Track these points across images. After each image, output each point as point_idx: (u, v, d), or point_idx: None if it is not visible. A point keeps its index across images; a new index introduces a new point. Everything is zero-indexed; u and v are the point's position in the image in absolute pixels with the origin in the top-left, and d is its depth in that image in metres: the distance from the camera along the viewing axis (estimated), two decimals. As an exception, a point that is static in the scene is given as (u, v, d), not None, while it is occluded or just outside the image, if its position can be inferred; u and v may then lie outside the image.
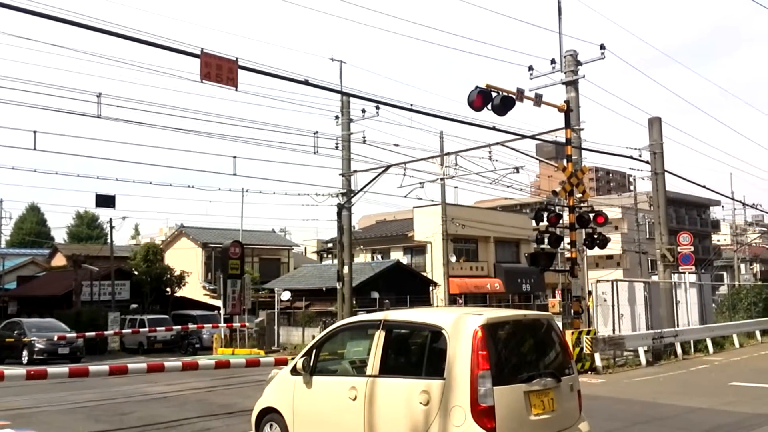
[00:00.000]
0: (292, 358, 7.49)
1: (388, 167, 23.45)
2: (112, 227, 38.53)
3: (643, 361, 17.64)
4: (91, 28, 10.81)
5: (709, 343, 20.49)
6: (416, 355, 6.31)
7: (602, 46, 17.83)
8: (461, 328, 5.68)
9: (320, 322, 29.36)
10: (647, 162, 21.38)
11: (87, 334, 25.88)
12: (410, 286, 35.49)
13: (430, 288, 38.66)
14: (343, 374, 6.73)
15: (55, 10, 10.50)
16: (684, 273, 23.03)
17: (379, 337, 6.27)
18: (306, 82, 13.47)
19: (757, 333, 24.13)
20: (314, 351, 6.86)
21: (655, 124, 21.26)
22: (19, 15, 10.11)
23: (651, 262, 45.72)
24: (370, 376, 6.15)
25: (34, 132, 18.63)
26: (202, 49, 11.73)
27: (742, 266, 60.08)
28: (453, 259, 40.20)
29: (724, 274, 54.58)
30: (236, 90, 12.25)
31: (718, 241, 72.97)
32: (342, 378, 6.60)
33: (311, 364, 6.77)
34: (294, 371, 6.94)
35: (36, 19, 10.26)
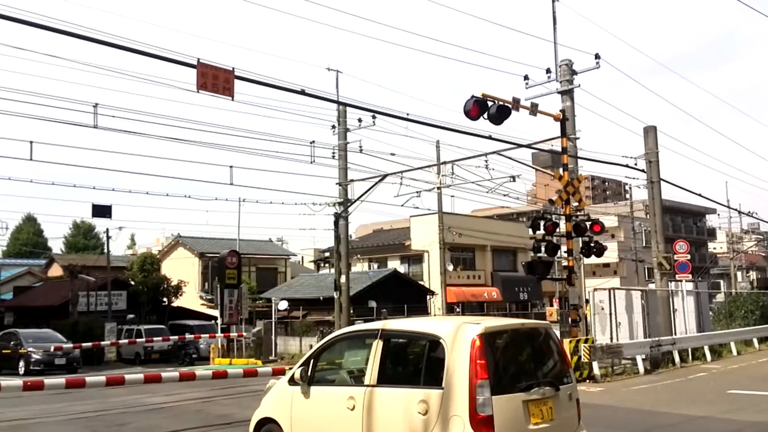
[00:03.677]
0: (290, 368, 7.47)
1: (384, 176, 23.47)
2: (108, 237, 38.39)
3: (641, 369, 17.62)
4: (88, 38, 10.83)
5: (706, 350, 20.49)
6: (414, 364, 6.30)
7: (597, 56, 17.90)
8: (459, 337, 5.68)
9: (318, 332, 29.29)
10: (643, 170, 21.42)
11: (84, 344, 25.77)
12: (407, 295, 35.46)
13: (428, 297, 38.63)
14: (341, 384, 6.72)
15: (52, 21, 10.52)
16: (681, 281, 23.05)
17: (377, 346, 6.26)
18: (302, 92, 13.47)
19: (755, 341, 24.13)
20: (312, 361, 6.84)
21: (650, 132, 21.32)
22: (16, 26, 10.12)
23: (648, 270, 45.76)
24: (368, 385, 6.13)
25: (31, 142, 18.53)
26: (198, 59, 11.74)
27: (739, 274, 60.22)
28: (450, 267, 40.20)
29: (721, 281, 54.71)
30: (233, 100, 12.26)
31: (715, 249, 73.08)
32: (340, 388, 6.59)
33: (309, 374, 6.74)
34: (292, 381, 6.92)
35: (33, 29, 10.27)
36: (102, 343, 28.18)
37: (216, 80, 11.95)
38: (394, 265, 42.62)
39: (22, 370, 24.35)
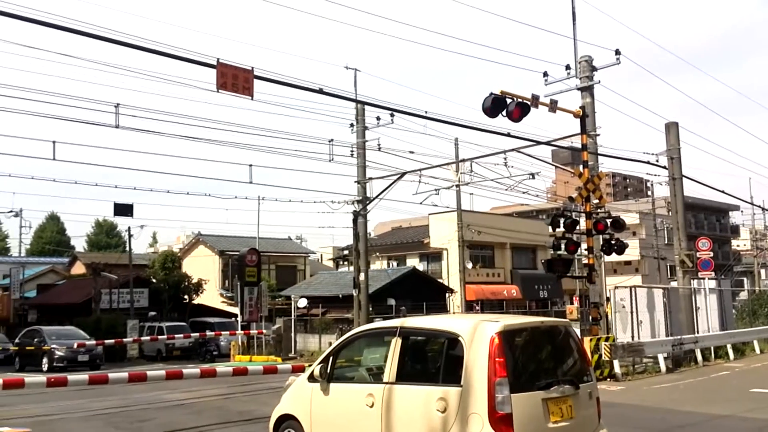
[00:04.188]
0: (309, 365, 7.51)
1: (403, 174, 23.47)
2: (130, 235, 38.86)
3: (663, 367, 17.46)
4: (109, 39, 10.95)
5: (729, 349, 20.25)
6: (433, 362, 6.31)
7: (617, 52, 17.72)
8: (478, 335, 5.68)
9: (337, 329, 29.38)
10: (664, 167, 21.22)
11: (106, 341, 26.11)
12: (426, 292, 35.41)
13: (447, 295, 38.58)
14: (360, 381, 6.75)
15: (74, 22, 10.66)
16: (704, 279, 22.78)
17: (396, 344, 6.27)
18: (321, 91, 13.52)
19: (779, 339, 23.78)
20: (331, 358, 6.88)
21: (672, 128, 21.10)
22: (38, 27, 10.26)
23: (670, 268, 45.27)
24: (387, 383, 6.15)
25: (53, 142, 18.72)
26: (218, 59, 11.83)
27: (762, 272, 59.35)
28: (469, 265, 40.08)
29: (744, 279, 54.01)
30: (252, 99, 12.35)
31: (738, 246, 72.13)
32: (359, 385, 6.62)
33: (328, 371, 6.78)
34: (311, 378, 6.96)
35: (55, 31, 10.41)
36: (124, 340, 28.54)
37: (236, 80, 12.04)
38: (413, 262, 42.60)
39: (45, 367, 24.72)
